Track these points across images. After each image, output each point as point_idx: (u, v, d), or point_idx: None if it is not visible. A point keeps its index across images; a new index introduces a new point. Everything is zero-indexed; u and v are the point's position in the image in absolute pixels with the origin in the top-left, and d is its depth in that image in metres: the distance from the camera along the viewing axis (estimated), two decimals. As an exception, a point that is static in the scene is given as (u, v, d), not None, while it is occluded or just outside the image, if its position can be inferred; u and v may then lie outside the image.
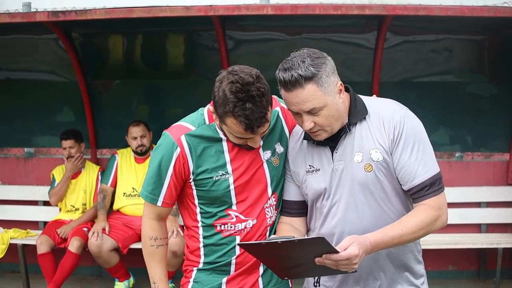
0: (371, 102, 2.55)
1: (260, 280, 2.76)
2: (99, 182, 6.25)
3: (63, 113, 6.99)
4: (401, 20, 5.88)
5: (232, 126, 2.44)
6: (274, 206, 2.73)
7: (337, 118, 2.43)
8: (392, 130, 2.43)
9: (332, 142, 2.51)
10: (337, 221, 2.50)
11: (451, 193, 5.78)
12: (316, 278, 2.64)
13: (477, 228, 6.46)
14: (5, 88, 6.91)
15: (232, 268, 2.72)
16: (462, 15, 5.20)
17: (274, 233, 2.72)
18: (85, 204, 6.24)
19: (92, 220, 6.12)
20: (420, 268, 2.65)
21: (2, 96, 6.92)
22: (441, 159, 6.39)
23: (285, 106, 2.78)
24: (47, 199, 6.36)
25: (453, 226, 6.06)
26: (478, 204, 6.47)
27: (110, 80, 6.87)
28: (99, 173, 6.31)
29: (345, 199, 2.49)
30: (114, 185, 6.13)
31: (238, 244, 2.55)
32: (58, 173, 6.32)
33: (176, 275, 5.70)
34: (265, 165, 2.68)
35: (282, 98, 2.52)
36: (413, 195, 2.45)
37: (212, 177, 2.61)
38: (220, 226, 2.68)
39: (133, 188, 6.05)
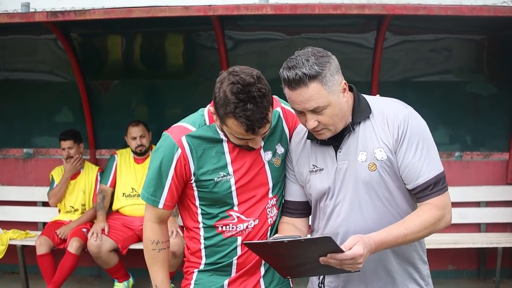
0: (375, 101, 2.55)
1: (261, 281, 2.76)
2: (98, 182, 6.24)
3: (62, 114, 6.98)
4: (400, 20, 5.87)
5: (233, 127, 2.43)
6: (275, 206, 2.73)
7: (341, 117, 2.42)
8: (397, 129, 2.42)
9: (336, 141, 2.50)
10: (341, 221, 2.50)
11: (451, 193, 5.70)
12: (321, 278, 2.63)
13: (476, 227, 6.46)
14: (4, 89, 6.90)
15: (234, 268, 2.71)
16: (462, 14, 5.20)
17: (276, 233, 2.71)
18: (84, 205, 6.23)
19: (91, 221, 6.11)
20: (425, 268, 2.64)
21: (1, 97, 6.91)
22: (441, 159, 6.32)
23: (286, 107, 2.78)
24: (46, 199, 6.35)
25: (453, 225, 5.95)
26: (477, 204, 6.47)
27: (109, 80, 6.86)
28: (98, 173, 6.30)
29: (349, 198, 2.48)
30: (114, 185, 6.12)
31: (243, 243, 2.54)
32: (57, 174, 6.31)
33: (175, 275, 5.70)
34: (266, 166, 2.68)
35: (284, 97, 2.51)
36: (417, 194, 2.44)
37: (213, 179, 2.60)
38: (222, 227, 2.67)
39: (132, 189, 6.04)
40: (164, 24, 6.11)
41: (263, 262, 2.73)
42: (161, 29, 6.53)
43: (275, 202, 2.73)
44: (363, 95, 2.56)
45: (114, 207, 6.12)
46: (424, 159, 2.41)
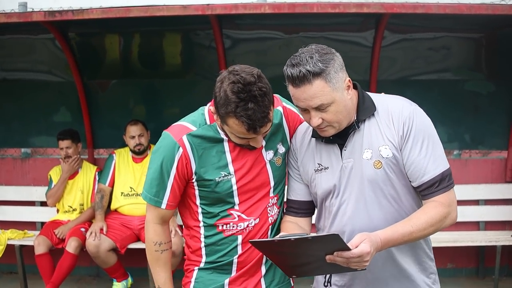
0: (379, 98, 2.54)
1: (262, 280, 2.75)
2: (96, 182, 6.23)
3: (60, 113, 6.97)
4: (398, 18, 5.87)
5: (234, 127, 2.42)
6: (276, 205, 2.72)
7: (345, 114, 2.41)
8: (402, 126, 2.42)
9: (341, 139, 2.49)
10: (347, 220, 2.49)
11: (450, 191, 5.76)
12: (327, 277, 2.63)
13: (475, 225, 6.46)
14: (1, 89, 6.89)
15: (234, 267, 2.71)
16: (460, 13, 5.20)
17: (277, 232, 2.70)
18: (82, 205, 6.22)
19: (89, 220, 6.10)
20: (432, 265, 2.63)
21: (-1, 97, 6.91)
22: (439, 157, 6.37)
23: (287, 105, 2.77)
24: (44, 199, 6.34)
25: (452, 224, 6.05)
26: (476, 202, 6.46)
27: (107, 79, 6.85)
28: (96, 173, 6.29)
29: (355, 197, 2.47)
30: (112, 184, 6.11)
31: (249, 241, 2.52)
32: (55, 173, 6.30)
33: (174, 274, 5.68)
34: (268, 165, 2.67)
35: (284, 96, 2.49)
36: (423, 192, 2.43)
37: (214, 179, 2.59)
38: (222, 226, 2.66)
39: (131, 188, 6.04)
40: (162, 23, 6.10)
41: (264, 261, 2.73)
42: (159, 28, 6.52)
43: (276, 201, 2.72)
44: (367, 92, 2.55)
45: (113, 207, 6.11)
46: (430, 156, 2.40)
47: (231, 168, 2.60)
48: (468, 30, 6.40)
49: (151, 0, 5.45)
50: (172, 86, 6.79)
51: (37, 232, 6.19)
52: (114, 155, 6.21)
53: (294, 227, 2.61)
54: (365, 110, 2.47)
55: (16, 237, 6.16)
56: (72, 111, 6.89)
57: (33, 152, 6.90)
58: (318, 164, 2.56)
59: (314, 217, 2.75)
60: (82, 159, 6.36)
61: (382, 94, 2.63)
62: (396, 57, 6.53)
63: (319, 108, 2.35)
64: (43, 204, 6.53)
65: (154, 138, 6.11)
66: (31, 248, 5.89)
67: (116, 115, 6.75)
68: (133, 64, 6.86)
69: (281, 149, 2.72)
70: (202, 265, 2.75)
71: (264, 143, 2.63)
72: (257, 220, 2.66)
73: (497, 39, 6.48)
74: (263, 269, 2.74)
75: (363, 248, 2.15)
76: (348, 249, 2.14)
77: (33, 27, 6.14)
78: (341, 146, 2.49)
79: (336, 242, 2.12)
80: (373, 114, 2.47)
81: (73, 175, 6.24)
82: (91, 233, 5.70)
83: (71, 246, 5.70)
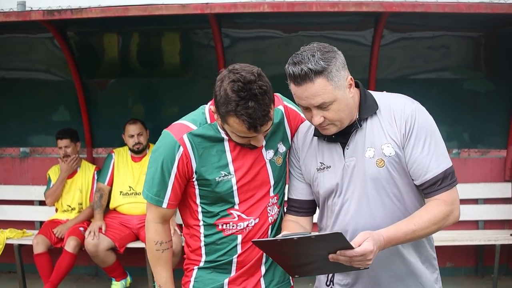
0: (381, 97, 2.53)
1: (262, 280, 2.75)
2: (95, 181, 6.23)
3: (59, 112, 6.96)
4: (397, 17, 5.87)
5: (235, 126, 2.41)
6: (276, 205, 2.72)
7: (347, 112, 2.41)
8: (404, 124, 2.41)
9: (343, 138, 2.48)
10: (349, 219, 2.48)
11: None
12: (330, 276, 2.62)
13: (474, 224, 6.46)
14: (0, 88, 6.87)
15: (233, 267, 2.70)
16: (459, 11, 5.20)
17: (277, 232, 2.70)
18: (81, 204, 6.21)
19: (88, 220, 6.10)
20: (435, 264, 2.63)
21: (-3, 96, 6.90)
22: (438, 156, 6.37)
23: (288, 105, 2.76)
24: (43, 198, 6.33)
25: (450, 222, 6.05)
26: (475, 201, 6.46)
27: (105, 79, 6.85)
28: (95, 172, 6.29)
29: (357, 195, 2.46)
30: (111, 184, 6.11)
31: (252, 241, 2.50)
32: (54, 173, 6.30)
33: (174, 273, 5.67)
34: (268, 165, 2.66)
35: (285, 95, 2.49)
36: (426, 190, 2.42)
37: (214, 178, 2.58)
38: (222, 225, 2.66)
39: (129, 187, 6.03)
40: (160, 22, 6.09)
41: (263, 261, 2.73)
42: (158, 27, 6.52)
43: (276, 201, 2.72)
44: (369, 91, 2.55)
45: (112, 206, 6.10)
46: (432, 154, 2.40)
47: (231, 168, 2.59)
48: (467, 29, 6.40)
49: (150, -1, 5.45)
50: (171, 85, 6.78)
51: (36, 232, 6.18)
52: (113, 154, 6.20)
53: (295, 226, 2.60)
54: (367, 108, 2.47)
55: (14, 237, 6.15)
56: (71, 110, 6.88)
57: (31, 151, 6.89)
58: (320, 163, 2.55)
59: (316, 216, 2.73)
60: (80, 158, 6.35)
61: (384, 92, 2.63)
62: (395, 56, 6.53)
63: (321, 107, 2.34)
64: (41, 203, 6.52)
65: (153, 137, 6.12)
66: (29, 247, 5.88)
67: (115, 114, 6.74)
68: (132, 63, 6.86)
69: (282, 149, 2.71)
70: (201, 264, 2.74)
71: (264, 142, 2.62)
72: (257, 219, 2.65)
73: (496, 38, 6.48)
74: (263, 269, 2.74)
75: (366, 247, 2.14)
76: (351, 247, 2.13)
77: (31, 26, 6.12)
78: (343, 145, 2.49)
79: (339, 241, 2.11)
80: (375, 113, 2.46)
81: (71, 174, 6.23)
82: (90, 232, 5.70)
83: (70, 245, 5.69)
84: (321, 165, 2.54)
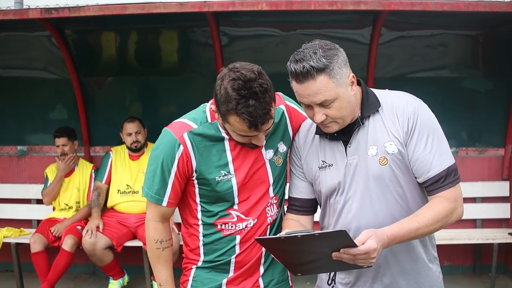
0: (384, 94, 2.52)
1: (260, 280, 2.74)
2: (92, 180, 6.22)
3: (56, 111, 6.95)
4: (396, 16, 5.85)
5: (236, 124, 2.40)
6: (275, 205, 2.71)
7: (349, 110, 2.40)
8: (406, 122, 2.40)
9: (345, 136, 2.47)
10: (352, 217, 2.47)
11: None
12: (331, 275, 2.61)
13: (472, 223, 6.46)
14: (-3, 86, 6.87)
15: (232, 267, 2.70)
16: (458, 10, 5.19)
17: (277, 232, 2.69)
18: (78, 202, 6.20)
19: (86, 218, 6.08)
20: (436, 262, 2.63)
21: (-5, 94, 6.88)
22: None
23: (290, 104, 2.75)
24: (40, 197, 6.33)
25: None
26: (473, 200, 6.46)
27: (103, 77, 6.83)
28: (93, 171, 6.28)
29: (360, 194, 2.45)
30: (109, 182, 6.10)
31: (255, 239, 2.49)
32: (51, 171, 6.29)
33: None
34: (267, 165, 2.65)
35: (286, 93, 2.47)
36: (428, 187, 2.42)
37: (214, 178, 2.58)
38: (221, 225, 2.65)
39: (127, 185, 6.03)
40: (158, 20, 6.08)
41: (262, 262, 2.73)
42: (156, 25, 6.50)
43: (276, 201, 2.71)
44: (371, 89, 2.54)
45: (109, 204, 6.09)
46: (435, 151, 2.39)
47: (231, 167, 2.59)
48: (465, 28, 6.39)
49: (148, -3, 5.44)
50: (168, 83, 6.77)
51: (33, 230, 6.16)
52: (111, 152, 6.19)
53: (296, 225, 2.59)
54: (369, 106, 2.46)
55: (12, 235, 6.13)
56: (68, 109, 6.87)
57: (29, 150, 6.88)
58: (322, 161, 2.54)
59: (317, 215, 2.72)
60: (78, 157, 6.34)
61: (386, 90, 2.62)
62: (394, 54, 6.52)
63: (322, 104, 2.34)
64: (39, 202, 6.52)
65: (150, 135, 6.11)
66: (27, 246, 5.87)
67: (112, 112, 6.73)
68: (130, 61, 6.84)
69: (282, 148, 2.70)
70: (200, 263, 2.74)
71: (264, 142, 2.61)
72: (256, 220, 2.65)
73: (495, 37, 6.47)
74: (262, 270, 2.73)
75: (370, 245, 2.14)
76: (355, 245, 2.12)
77: (29, 24, 6.10)
78: (346, 143, 2.48)
79: (343, 239, 2.10)
80: (377, 110, 2.46)
81: (69, 172, 6.22)
82: (87, 231, 5.69)
83: (67, 244, 5.68)
84: (323, 164, 2.53)
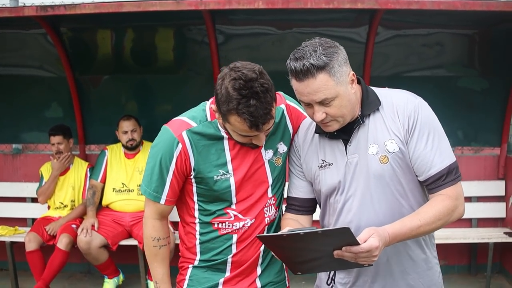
0: (384, 92, 2.51)
1: (257, 280, 2.74)
2: (87, 178, 6.20)
3: (52, 109, 6.93)
4: (392, 14, 5.85)
5: (236, 124, 2.39)
6: (273, 206, 2.70)
7: (350, 108, 2.38)
8: (407, 120, 2.39)
9: (345, 135, 2.46)
10: (352, 216, 2.46)
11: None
12: (331, 275, 2.60)
13: (468, 222, 6.47)
14: (-8, 84, 6.84)
15: (228, 267, 2.69)
16: (455, 9, 5.18)
17: (274, 231, 2.68)
18: (73, 201, 6.18)
19: (81, 217, 6.07)
20: (436, 262, 2.62)
21: (-10, 92, 6.85)
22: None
23: (290, 103, 2.74)
24: (35, 195, 6.31)
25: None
26: (468, 199, 6.46)
27: (99, 75, 6.82)
28: (88, 169, 6.26)
29: (360, 193, 2.44)
30: (104, 180, 6.09)
31: (256, 236, 2.48)
32: (46, 170, 6.27)
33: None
34: (266, 165, 2.64)
35: (286, 92, 2.46)
36: (430, 186, 2.41)
37: (212, 177, 2.57)
38: (218, 224, 2.64)
39: (122, 184, 6.01)
40: (154, 18, 6.06)
41: (259, 262, 2.72)
42: (152, 23, 6.48)
43: (274, 202, 2.70)
44: (371, 87, 2.53)
45: (104, 203, 6.08)
46: (436, 149, 2.38)
47: (229, 167, 2.58)
48: (462, 27, 6.38)
49: (144, -5, 5.42)
50: (164, 81, 6.75)
51: (28, 229, 6.14)
52: (106, 151, 6.18)
53: (295, 224, 2.57)
54: (369, 104, 2.44)
55: (6, 234, 6.11)
56: (64, 107, 6.85)
57: (24, 148, 6.86)
58: (322, 160, 2.53)
59: (317, 214, 2.71)
60: (73, 155, 6.33)
61: (386, 88, 2.60)
62: (390, 53, 6.51)
63: (322, 103, 2.32)
64: (34, 200, 6.50)
65: (146, 133, 6.09)
66: (22, 244, 5.86)
67: (108, 111, 6.71)
68: (125, 59, 6.82)
69: (282, 149, 2.69)
70: (196, 263, 2.73)
71: (264, 142, 2.59)
72: (253, 220, 2.64)
73: (491, 36, 6.47)
74: (259, 270, 2.73)
75: (372, 243, 2.13)
76: (357, 243, 2.11)
77: (24, 21, 6.08)
78: (346, 142, 2.47)
79: (345, 236, 2.09)
80: (378, 109, 2.44)
81: (64, 171, 6.21)
82: (82, 229, 5.68)
83: (62, 242, 5.67)
84: (323, 163, 2.52)
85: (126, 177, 6.02)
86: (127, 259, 6.09)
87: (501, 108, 6.52)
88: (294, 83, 2.35)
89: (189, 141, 2.54)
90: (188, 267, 2.76)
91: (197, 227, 2.68)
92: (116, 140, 6.21)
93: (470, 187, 6.43)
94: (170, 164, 2.56)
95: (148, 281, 5.78)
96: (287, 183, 2.76)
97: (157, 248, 2.70)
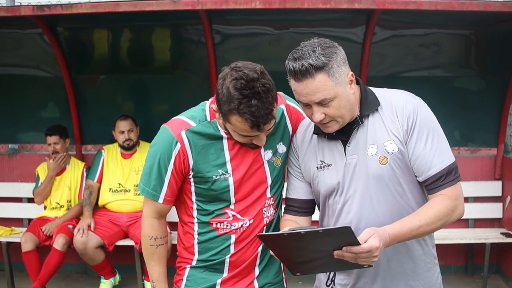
0: (382, 93, 2.50)
1: (255, 281, 2.73)
2: (84, 178, 6.19)
3: (48, 109, 6.91)
4: (389, 14, 5.84)
5: (237, 124, 2.38)
6: (272, 206, 2.69)
7: (349, 109, 2.38)
8: (406, 120, 2.39)
9: (344, 135, 2.45)
10: (352, 217, 2.45)
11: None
12: (331, 276, 2.59)
13: (464, 223, 6.47)
14: (-12, 84, 6.82)
15: (226, 267, 2.68)
16: (452, 9, 5.18)
17: (274, 231, 2.67)
18: (70, 201, 6.17)
19: (77, 217, 6.06)
20: (436, 263, 2.62)
21: (-15, 92, 6.83)
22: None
23: (290, 103, 2.73)
24: (31, 196, 6.29)
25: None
26: (465, 199, 6.31)
27: (95, 75, 6.80)
28: (84, 169, 6.25)
29: (360, 194, 2.43)
30: (100, 181, 6.07)
31: (257, 235, 2.48)
32: (42, 170, 6.25)
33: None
34: (265, 165, 2.64)
35: (286, 92, 2.45)
36: (429, 186, 2.40)
37: (211, 177, 2.56)
38: (216, 224, 2.64)
39: (119, 184, 6.00)
40: (151, 18, 6.05)
41: (257, 263, 2.71)
42: (149, 23, 6.47)
43: (273, 202, 2.69)
44: (369, 87, 2.52)
45: (101, 203, 6.07)
46: (435, 149, 2.37)
47: (229, 167, 2.57)
48: (459, 27, 6.38)
49: (141, -5, 5.40)
50: (161, 81, 6.74)
51: (24, 229, 6.14)
52: (103, 151, 6.17)
53: (294, 225, 2.55)
54: (368, 105, 2.44)
55: (2, 234, 6.10)
56: (60, 107, 6.83)
57: (20, 148, 6.84)
58: (321, 161, 2.52)
59: (316, 216, 2.70)
60: (70, 155, 6.31)
61: (384, 88, 2.60)
62: (387, 53, 6.51)
63: (321, 103, 2.32)
64: (30, 200, 6.48)
65: (142, 134, 6.07)
66: (18, 245, 5.84)
67: (104, 111, 6.69)
68: (122, 59, 6.81)
69: (282, 149, 2.68)
70: (194, 263, 2.72)
71: (264, 142, 2.58)
72: (252, 220, 2.63)
73: (488, 36, 6.47)
74: (257, 271, 2.72)
75: (372, 243, 2.12)
76: (358, 243, 2.11)
77: (21, 21, 6.06)
78: (345, 143, 2.46)
79: (346, 236, 2.08)
80: (376, 109, 2.44)
81: (60, 171, 6.19)
82: (78, 230, 5.67)
83: (58, 243, 5.66)
84: (322, 164, 2.51)
85: (123, 177, 6.01)
86: (124, 260, 6.08)
87: (498, 109, 6.53)
88: (292, 83, 2.34)
89: (188, 140, 2.53)
90: (185, 267, 2.75)
91: (195, 227, 2.68)
92: (112, 140, 6.20)
93: (467, 188, 6.40)
94: (168, 164, 2.55)
95: (145, 281, 5.77)
96: (286, 184, 2.75)
97: (154, 247, 2.70)
